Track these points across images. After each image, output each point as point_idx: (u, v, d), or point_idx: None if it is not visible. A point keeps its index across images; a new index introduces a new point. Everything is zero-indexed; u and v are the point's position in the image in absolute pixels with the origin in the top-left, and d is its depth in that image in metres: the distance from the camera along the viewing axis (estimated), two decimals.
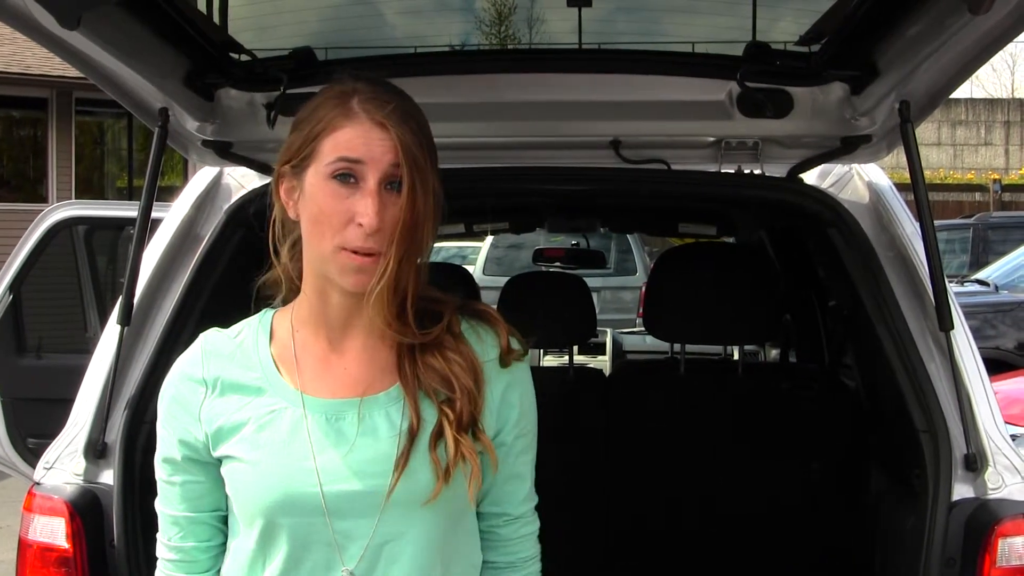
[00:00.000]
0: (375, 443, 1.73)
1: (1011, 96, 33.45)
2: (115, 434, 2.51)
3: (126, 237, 5.34)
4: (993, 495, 2.35)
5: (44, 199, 17.69)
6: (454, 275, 3.79)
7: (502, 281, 4.09)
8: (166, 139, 2.58)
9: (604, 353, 6.35)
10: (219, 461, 1.78)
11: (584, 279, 3.94)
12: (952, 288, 2.65)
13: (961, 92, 24.58)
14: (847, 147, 2.69)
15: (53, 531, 2.42)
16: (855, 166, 3.03)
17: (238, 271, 2.58)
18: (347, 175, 1.69)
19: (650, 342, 5.96)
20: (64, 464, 2.52)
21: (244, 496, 1.76)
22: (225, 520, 1.83)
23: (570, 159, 2.95)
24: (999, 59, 33.99)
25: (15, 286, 5.29)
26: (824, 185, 2.97)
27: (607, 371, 5.31)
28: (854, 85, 2.56)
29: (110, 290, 5.79)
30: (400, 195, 1.69)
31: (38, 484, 2.50)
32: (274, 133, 2.59)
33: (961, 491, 2.37)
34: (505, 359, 1.81)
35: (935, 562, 2.31)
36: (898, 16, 2.21)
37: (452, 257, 13.42)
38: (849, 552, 3.15)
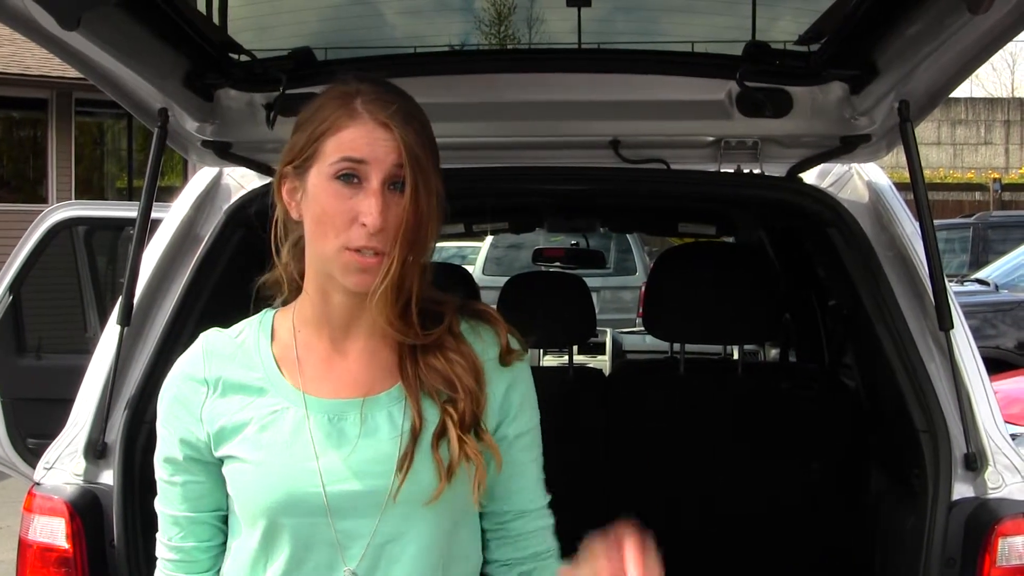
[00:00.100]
0: (377, 443, 1.73)
1: (1011, 95, 33.45)
2: (115, 434, 2.51)
3: (126, 237, 5.34)
4: (993, 494, 2.35)
5: (44, 200, 17.68)
6: (454, 275, 3.79)
7: (502, 281, 4.09)
8: (165, 139, 2.58)
9: (604, 353, 6.35)
10: (220, 461, 1.78)
11: (584, 279, 3.94)
12: (952, 287, 2.65)
13: (961, 91, 24.58)
14: (846, 147, 2.69)
15: (53, 531, 2.42)
16: (854, 166, 3.03)
17: (238, 271, 2.58)
18: (350, 175, 1.69)
19: (650, 342, 5.95)
20: (64, 464, 2.52)
21: (246, 496, 1.76)
22: (225, 520, 1.83)
23: (570, 159, 2.95)
24: (999, 58, 34.02)
25: (15, 286, 5.29)
26: (824, 185, 2.97)
27: (607, 371, 5.31)
28: (853, 84, 2.56)
29: (110, 290, 5.79)
30: (403, 195, 1.69)
31: (38, 484, 2.50)
32: (273, 133, 2.59)
33: (961, 491, 2.37)
34: (505, 358, 1.81)
35: (935, 562, 2.31)
36: (897, 15, 2.21)
37: (452, 257, 13.42)
38: (849, 552, 3.15)
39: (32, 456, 4.81)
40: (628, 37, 2.92)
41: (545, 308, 3.67)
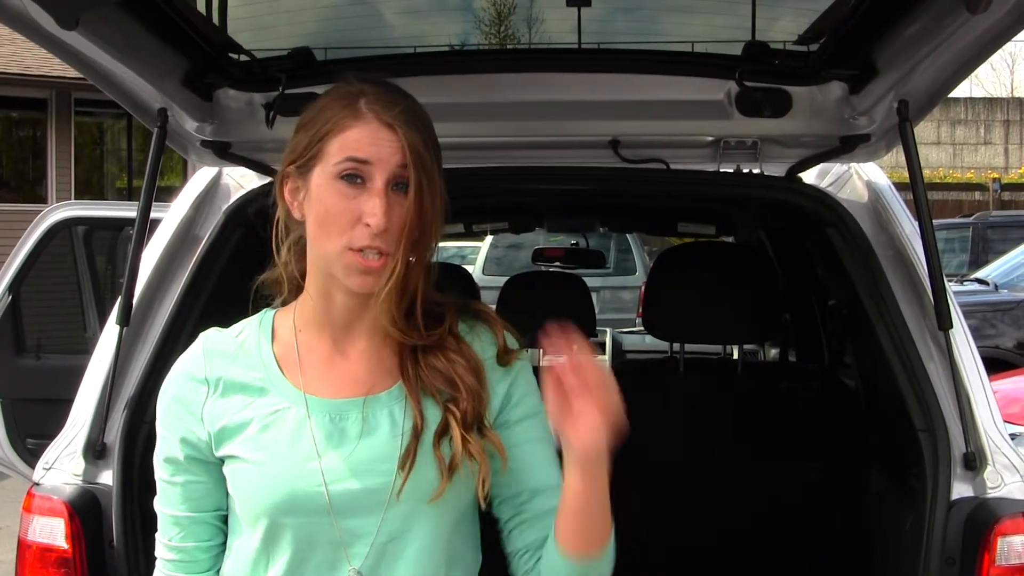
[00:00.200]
0: (378, 442, 1.73)
1: (1010, 95, 33.45)
2: (114, 434, 2.51)
3: (125, 237, 5.34)
4: (992, 494, 2.35)
5: (43, 199, 17.68)
6: (454, 275, 3.80)
7: (501, 281, 4.10)
8: (165, 139, 2.58)
9: (603, 353, 6.35)
10: (221, 461, 1.78)
11: (583, 279, 3.95)
12: (951, 287, 2.65)
13: (960, 91, 24.59)
14: (846, 146, 2.69)
15: (52, 531, 2.42)
16: (854, 165, 3.03)
17: (237, 271, 2.58)
18: (354, 175, 1.70)
19: (649, 342, 5.96)
20: (63, 464, 2.52)
21: (248, 496, 1.76)
22: (226, 520, 1.83)
23: (569, 159, 2.95)
24: (998, 58, 33.99)
25: (14, 286, 5.29)
26: (823, 184, 2.97)
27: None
28: (853, 84, 2.56)
29: (109, 290, 5.79)
30: (406, 196, 1.69)
31: (37, 484, 2.50)
32: (273, 133, 2.59)
33: (960, 490, 2.37)
34: (503, 358, 1.82)
35: (934, 561, 2.31)
36: (896, 15, 2.21)
37: (452, 257, 13.42)
38: (849, 552, 3.15)
39: (31, 456, 4.82)
40: (628, 37, 2.92)
41: (545, 308, 3.67)
